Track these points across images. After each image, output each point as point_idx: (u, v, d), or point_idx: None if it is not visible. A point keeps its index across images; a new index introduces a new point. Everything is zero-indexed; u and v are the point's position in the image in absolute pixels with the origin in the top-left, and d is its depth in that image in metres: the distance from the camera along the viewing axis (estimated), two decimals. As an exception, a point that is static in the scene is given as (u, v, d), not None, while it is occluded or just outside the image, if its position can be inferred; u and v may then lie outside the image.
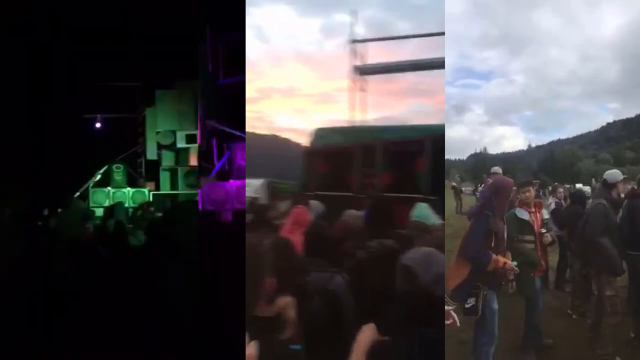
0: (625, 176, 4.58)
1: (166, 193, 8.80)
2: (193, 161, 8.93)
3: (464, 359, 3.62)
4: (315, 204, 4.62)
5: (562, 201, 7.35)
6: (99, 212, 7.40)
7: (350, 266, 2.65)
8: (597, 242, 4.04)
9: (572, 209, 5.57)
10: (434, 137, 6.56)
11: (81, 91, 8.58)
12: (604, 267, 4.08)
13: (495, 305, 3.39)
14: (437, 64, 14.76)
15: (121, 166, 8.93)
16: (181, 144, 8.98)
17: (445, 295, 2.92)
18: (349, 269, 2.61)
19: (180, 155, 9.12)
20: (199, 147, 8.72)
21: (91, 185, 8.85)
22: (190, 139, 8.86)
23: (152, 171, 9.27)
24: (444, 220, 4.36)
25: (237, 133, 8.82)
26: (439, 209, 4.55)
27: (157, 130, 8.95)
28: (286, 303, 2.05)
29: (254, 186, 8.67)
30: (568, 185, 14.52)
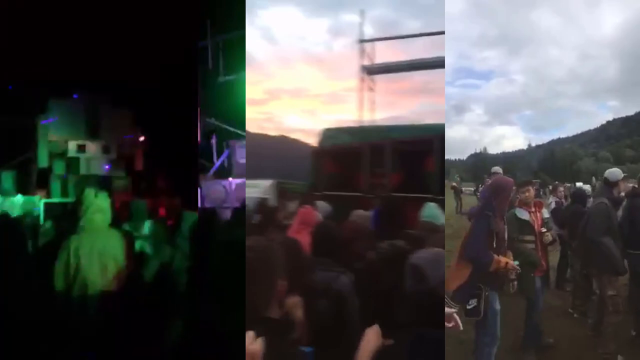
0: (625, 174, 4.57)
1: (57, 202, 8.86)
2: (82, 170, 9.26)
3: (464, 359, 3.61)
4: (321, 204, 4.62)
5: (563, 200, 7.36)
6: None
7: (359, 267, 2.64)
8: (598, 241, 4.02)
9: (573, 208, 5.56)
10: (442, 136, 6.57)
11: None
12: (605, 267, 4.07)
13: (498, 306, 3.37)
14: (440, 64, 14.82)
15: (11, 173, 8.93)
16: (72, 153, 9.26)
17: (446, 297, 2.91)
18: (358, 270, 2.60)
19: (72, 163, 9.36)
20: (199, 145, 8.73)
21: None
22: (80, 148, 9.26)
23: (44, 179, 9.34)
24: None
25: (237, 131, 8.83)
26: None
27: (49, 139, 9.09)
28: (294, 303, 2.04)
29: (262, 187, 8.68)
30: (568, 184, 14.51)
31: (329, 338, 2.18)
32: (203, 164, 8.84)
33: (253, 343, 1.62)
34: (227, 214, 6.06)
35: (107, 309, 3.06)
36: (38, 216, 7.96)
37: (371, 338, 1.83)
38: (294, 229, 3.58)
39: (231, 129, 9.00)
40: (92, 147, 9.30)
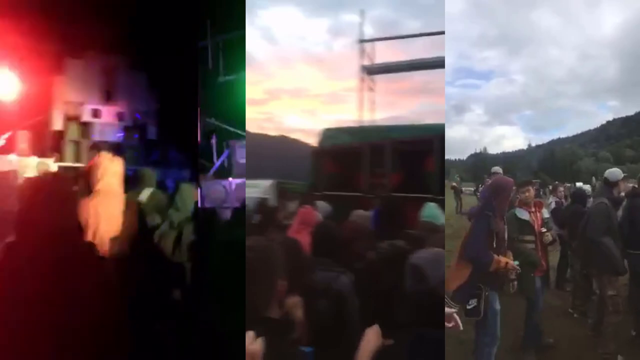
0: (625, 174, 4.57)
1: (70, 165, 8.63)
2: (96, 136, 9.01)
3: (464, 359, 3.61)
4: (321, 204, 4.62)
5: (563, 200, 7.36)
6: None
7: (359, 267, 2.64)
8: (598, 241, 4.02)
9: (573, 208, 5.56)
10: (442, 136, 6.58)
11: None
12: (605, 267, 4.07)
13: (498, 306, 3.37)
14: (440, 64, 14.82)
15: (27, 133, 8.74)
16: (87, 117, 9.02)
17: (446, 297, 2.91)
18: (358, 270, 2.60)
19: (86, 128, 9.11)
20: (199, 145, 8.71)
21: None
22: (95, 113, 9.01)
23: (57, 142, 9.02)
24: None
25: (237, 131, 8.82)
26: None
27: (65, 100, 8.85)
28: (294, 303, 2.05)
29: (262, 187, 8.67)
30: (568, 184, 14.50)
31: (329, 338, 2.18)
32: (203, 164, 8.83)
33: (253, 343, 1.62)
34: (227, 214, 6.06)
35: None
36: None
37: (371, 338, 1.83)
38: (294, 229, 3.58)
39: (231, 129, 8.99)
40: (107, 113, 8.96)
